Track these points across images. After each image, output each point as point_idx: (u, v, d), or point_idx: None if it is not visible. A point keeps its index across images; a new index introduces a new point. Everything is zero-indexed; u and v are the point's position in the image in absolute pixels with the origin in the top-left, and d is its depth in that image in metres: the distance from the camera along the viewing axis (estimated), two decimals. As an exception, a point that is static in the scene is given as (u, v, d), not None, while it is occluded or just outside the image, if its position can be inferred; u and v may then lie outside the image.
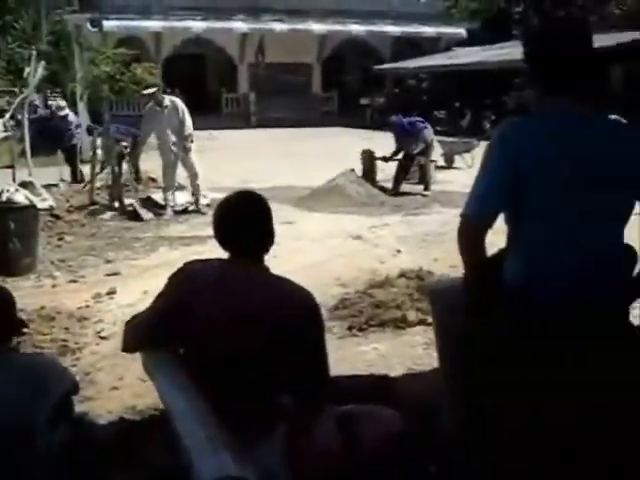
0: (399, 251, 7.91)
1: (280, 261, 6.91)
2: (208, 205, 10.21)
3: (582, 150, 2.40)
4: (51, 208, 9.88)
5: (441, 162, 15.49)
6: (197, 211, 10.44)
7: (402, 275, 6.48)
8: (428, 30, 33.39)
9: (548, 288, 2.42)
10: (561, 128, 2.44)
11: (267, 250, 2.58)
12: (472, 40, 31.30)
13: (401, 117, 13.16)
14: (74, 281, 7.03)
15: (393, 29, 32.71)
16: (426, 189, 12.49)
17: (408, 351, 4.96)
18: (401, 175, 12.60)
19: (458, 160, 15.89)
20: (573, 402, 2.39)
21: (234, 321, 2.42)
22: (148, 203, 10.70)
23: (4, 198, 7.55)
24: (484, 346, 2.54)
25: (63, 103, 15.30)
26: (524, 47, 2.60)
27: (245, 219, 2.53)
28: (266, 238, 2.57)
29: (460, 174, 13.34)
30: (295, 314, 2.45)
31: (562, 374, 2.37)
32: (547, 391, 2.39)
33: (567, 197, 2.40)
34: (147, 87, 11.47)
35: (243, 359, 2.42)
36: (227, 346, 2.43)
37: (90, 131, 13.62)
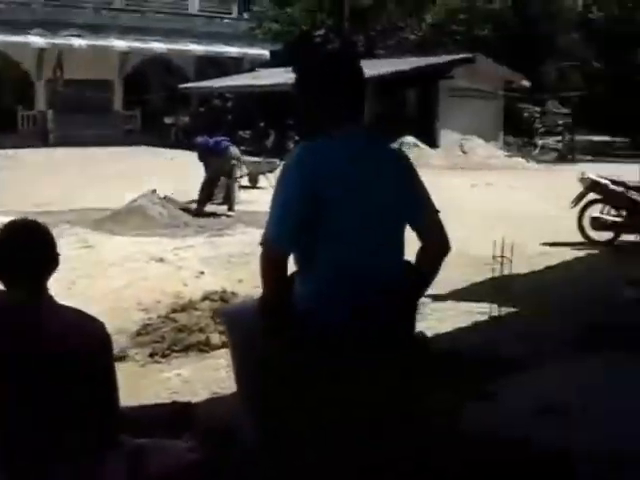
0: (203, 273, 7.80)
1: (79, 287, 6.71)
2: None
3: (378, 173, 2.50)
4: None
5: (245, 182, 15.59)
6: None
7: (206, 298, 6.42)
8: (231, 50, 33.65)
9: (345, 308, 2.47)
10: (359, 151, 2.51)
11: (47, 279, 2.44)
12: (275, 61, 31.82)
13: (207, 138, 13.13)
14: None
15: (196, 48, 32.66)
16: (230, 209, 12.50)
17: (212, 375, 4.92)
18: (204, 195, 12.50)
19: (262, 180, 16.05)
20: (366, 420, 2.45)
21: (16, 356, 2.28)
22: None
23: None
24: (280, 368, 2.56)
25: None
26: (299, 76, 2.66)
27: (23, 248, 2.38)
28: (48, 266, 2.43)
29: (264, 194, 13.41)
30: (85, 344, 2.35)
31: (356, 393, 2.43)
32: (341, 410, 2.43)
33: (365, 219, 2.48)
34: None
35: (26, 395, 2.28)
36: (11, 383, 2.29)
37: None
